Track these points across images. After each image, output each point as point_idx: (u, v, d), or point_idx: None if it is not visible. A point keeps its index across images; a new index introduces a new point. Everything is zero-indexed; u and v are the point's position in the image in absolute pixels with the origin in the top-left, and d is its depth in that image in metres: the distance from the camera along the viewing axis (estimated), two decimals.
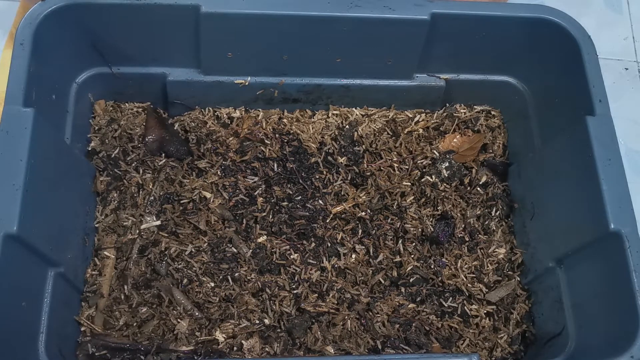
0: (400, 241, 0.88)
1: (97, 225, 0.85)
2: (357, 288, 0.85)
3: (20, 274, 0.69)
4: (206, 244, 0.85)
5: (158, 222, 0.85)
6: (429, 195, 0.90)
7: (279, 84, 0.92)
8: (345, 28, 0.83)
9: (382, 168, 0.92)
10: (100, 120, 0.91)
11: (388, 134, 0.95)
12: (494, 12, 0.84)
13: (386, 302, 0.84)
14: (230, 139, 0.92)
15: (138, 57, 0.87)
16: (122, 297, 0.81)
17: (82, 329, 0.79)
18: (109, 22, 0.82)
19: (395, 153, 0.93)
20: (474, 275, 0.87)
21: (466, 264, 0.87)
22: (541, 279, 0.84)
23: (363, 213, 0.89)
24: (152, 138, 0.90)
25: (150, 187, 0.87)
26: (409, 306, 0.84)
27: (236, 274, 0.83)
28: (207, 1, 0.80)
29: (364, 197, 0.90)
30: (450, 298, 0.85)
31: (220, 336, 0.79)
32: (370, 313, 0.83)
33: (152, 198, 0.87)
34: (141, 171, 0.88)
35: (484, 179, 0.93)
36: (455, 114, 0.97)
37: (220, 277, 0.83)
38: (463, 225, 0.89)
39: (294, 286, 0.84)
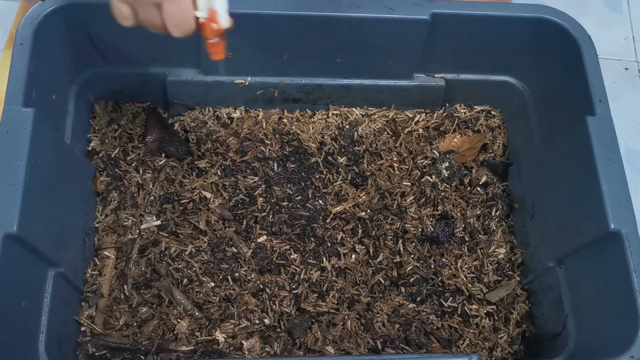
0: (400, 241, 0.88)
1: (97, 225, 0.85)
2: (357, 288, 0.85)
3: (20, 274, 0.69)
4: (206, 244, 0.84)
5: (158, 222, 0.85)
6: (429, 195, 0.90)
7: (279, 84, 0.91)
8: (345, 28, 0.83)
9: (382, 168, 0.92)
10: (100, 120, 0.91)
11: (388, 134, 0.95)
12: (494, 12, 0.84)
13: (386, 302, 0.84)
14: (230, 139, 0.92)
15: (138, 57, 0.87)
16: (122, 297, 0.81)
17: (82, 329, 0.79)
18: (109, 22, 0.81)
19: (395, 153, 0.93)
20: (474, 275, 0.87)
21: (466, 264, 0.87)
22: (541, 279, 0.84)
23: (363, 213, 0.89)
24: (152, 138, 0.90)
25: (150, 187, 0.87)
26: (409, 306, 0.84)
27: (236, 274, 0.83)
28: None
29: (364, 197, 0.90)
30: (450, 298, 0.85)
31: (220, 336, 0.79)
32: (370, 313, 0.83)
33: (152, 198, 0.87)
34: (141, 171, 0.88)
35: (484, 179, 0.93)
36: (455, 114, 0.97)
37: (220, 277, 0.83)
38: (463, 225, 0.89)
39: (294, 286, 0.84)
